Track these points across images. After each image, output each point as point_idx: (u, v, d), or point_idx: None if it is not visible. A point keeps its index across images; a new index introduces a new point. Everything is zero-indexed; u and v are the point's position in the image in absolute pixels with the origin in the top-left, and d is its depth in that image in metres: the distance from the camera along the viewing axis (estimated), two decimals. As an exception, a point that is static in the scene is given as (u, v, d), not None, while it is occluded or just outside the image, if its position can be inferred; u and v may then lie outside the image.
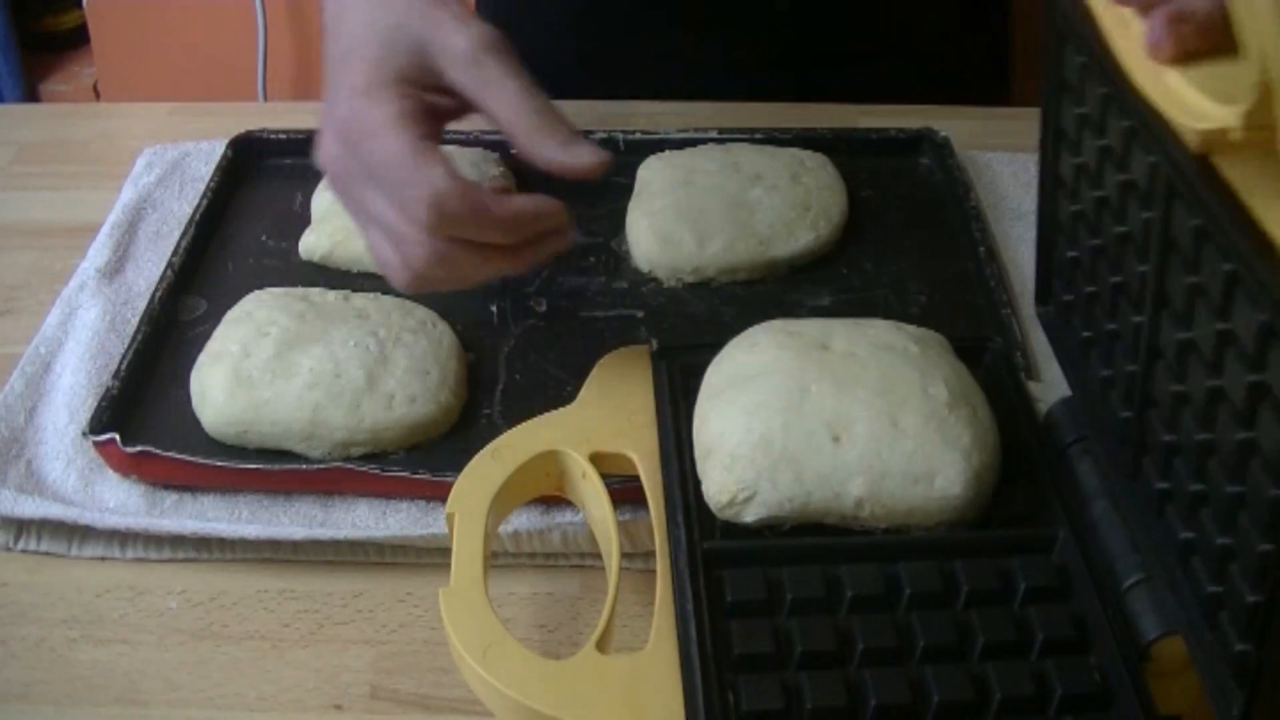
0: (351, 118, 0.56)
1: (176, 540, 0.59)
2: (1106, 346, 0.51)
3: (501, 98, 0.56)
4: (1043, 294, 0.59)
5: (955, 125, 0.83)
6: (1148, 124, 0.42)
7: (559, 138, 0.56)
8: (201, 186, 0.78)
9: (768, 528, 0.53)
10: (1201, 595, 0.44)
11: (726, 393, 0.55)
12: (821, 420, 0.53)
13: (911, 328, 0.59)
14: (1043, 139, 0.55)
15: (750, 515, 0.52)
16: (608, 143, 0.79)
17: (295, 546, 0.59)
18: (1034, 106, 0.89)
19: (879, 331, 0.58)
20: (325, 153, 0.58)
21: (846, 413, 0.52)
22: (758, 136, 0.81)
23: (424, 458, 0.62)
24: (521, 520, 0.59)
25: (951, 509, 0.52)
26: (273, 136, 0.82)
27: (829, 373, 0.55)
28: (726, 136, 0.81)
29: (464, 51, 0.56)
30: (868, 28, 0.94)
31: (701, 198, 0.74)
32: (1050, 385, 0.64)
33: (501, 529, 0.58)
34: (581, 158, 0.56)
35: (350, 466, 0.60)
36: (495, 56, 0.56)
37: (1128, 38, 0.44)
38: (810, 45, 0.93)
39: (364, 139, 0.55)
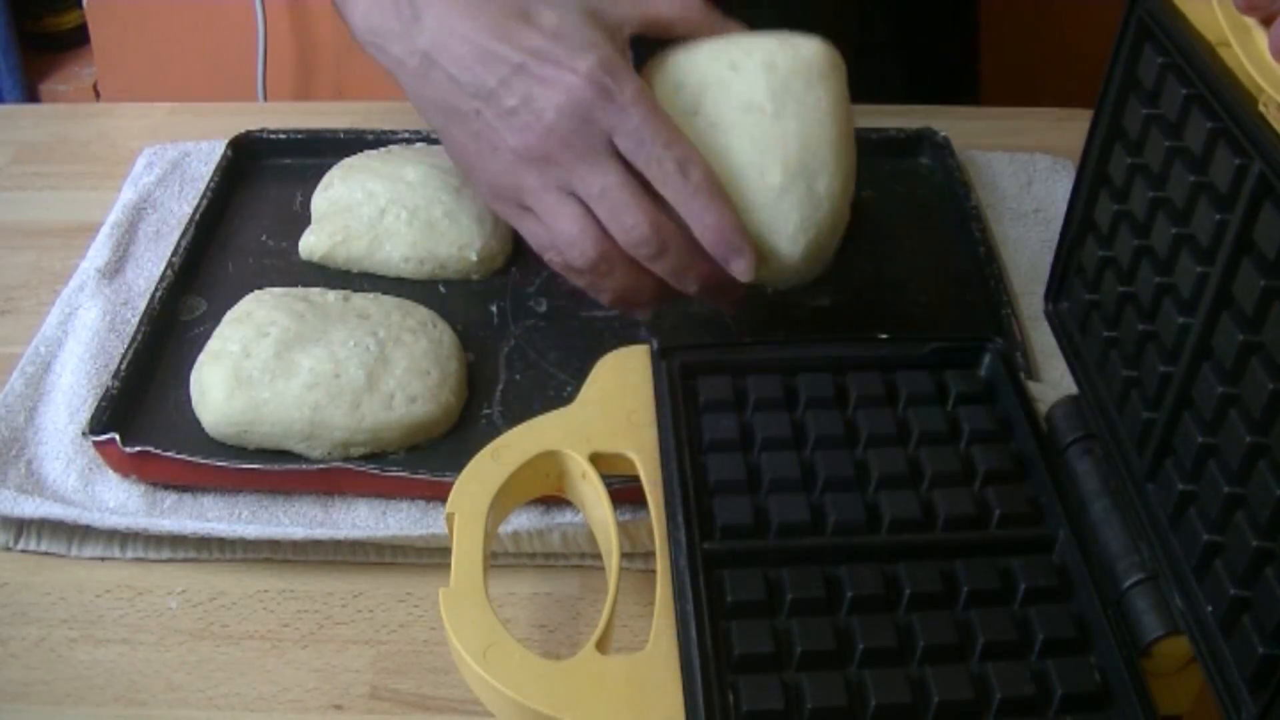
0: (595, 84, 0.57)
1: (176, 540, 0.59)
2: (1135, 348, 0.51)
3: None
4: (1056, 292, 0.59)
5: (955, 125, 0.83)
6: (1243, 125, 0.43)
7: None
8: (201, 186, 0.78)
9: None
10: (1221, 598, 0.43)
11: None
12: None
13: (802, 47, 0.61)
14: (1091, 138, 0.55)
15: None
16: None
17: (295, 546, 0.59)
18: (1007, 107, 0.91)
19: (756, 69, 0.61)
20: (541, 121, 0.57)
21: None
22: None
23: (424, 458, 0.62)
24: (521, 520, 0.59)
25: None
26: (273, 136, 0.82)
27: None
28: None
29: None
30: (842, 29, 0.94)
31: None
32: (1050, 385, 0.64)
33: (501, 529, 0.58)
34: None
35: (350, 466, 0.60)
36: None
37: (1246, 41, 0.44)
38: None
39: (626, 104, 0.57)
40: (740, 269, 0.59)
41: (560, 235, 0.59)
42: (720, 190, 0.58)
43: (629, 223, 0.58)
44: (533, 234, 0.61)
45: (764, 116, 0.59)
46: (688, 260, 0.59)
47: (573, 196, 0.59)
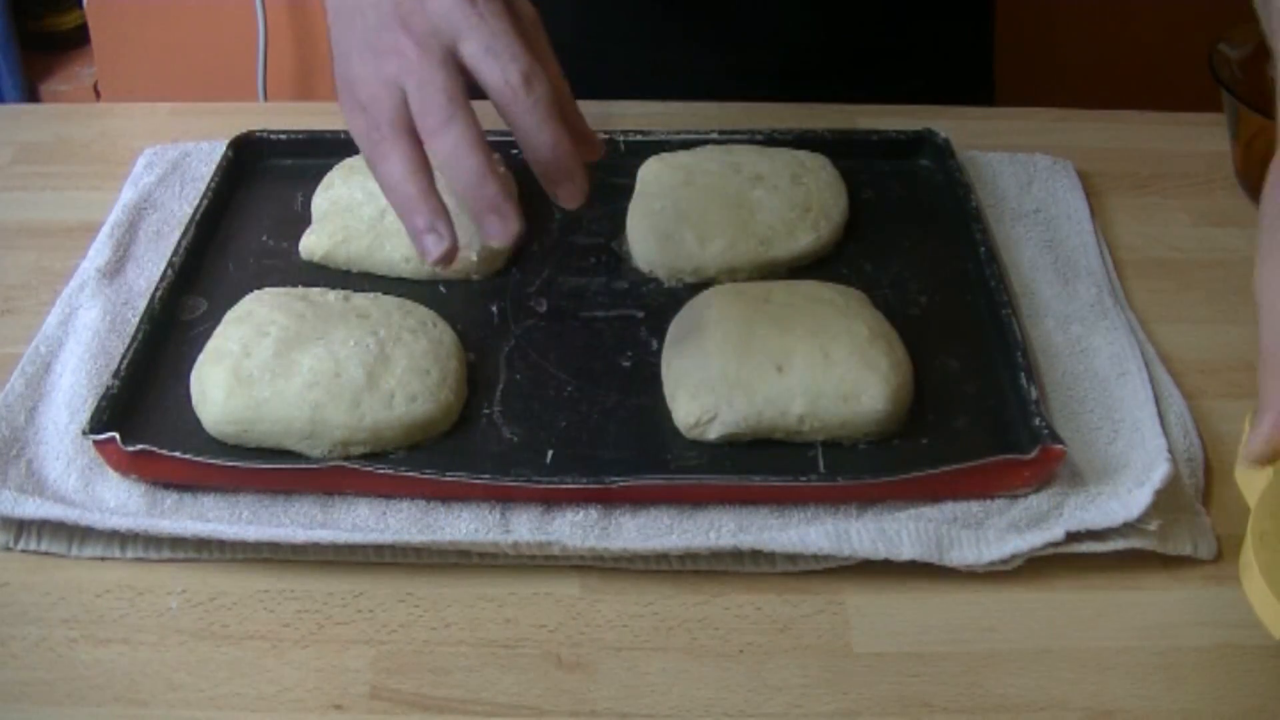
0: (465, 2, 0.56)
1: (176, 540, 0.59)
2: None
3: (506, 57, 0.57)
4: None
5: (955, 125, 0.83)
6: None
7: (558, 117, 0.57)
8: (202, 186, 0.78)
9: (729, 443, 0.62)
10: None
11: (688, 339, 0.65)
12: (766, 355, 0.63)
13: (833, 285, 0.69)
14: None
15: (713, 433, 0.62)
16: (608, 144, 0.79)
17: (295, 547, 0.59)
18: (1027, 106, 0.91)
19: (807, 287, 0.69)
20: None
21: (787, 348, 0.63)
22: (758, 138, 0.81)
23: (424, 457, 0.62)
24: (522, 531, 0.59)
25: (875, 422, 0.62)
26: (273, 137, 0.82)
27: (769, 318, 0.65)
28: (727, 138, 0.81)
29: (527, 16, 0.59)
30: (856, 33, 0.94)
31: (702, 198, 0.74)
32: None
33: (502, 538, 0.58)
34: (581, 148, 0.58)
35: (350, 465, 0.60)
36: (541, 32, 0.60)
37: None
38: (800, 50, 0.94)
39: (485, 14, 0.56)
40: (568, 193, 0.58)
41: (369, 100, 0.58)
42: (560, 115, 0.56)
43: (430, 94, 0.56)
44: (354, 132, 0.59)
45: (835, 304, 0.67)
46: (474, 147, 0.56)
47: (391, 84, 0.57)
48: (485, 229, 0.56)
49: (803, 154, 0.79)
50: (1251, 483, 0.58)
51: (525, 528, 0.60)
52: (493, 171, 0.56)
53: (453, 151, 0.56)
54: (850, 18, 0.93)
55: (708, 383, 0.63)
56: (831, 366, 0.63)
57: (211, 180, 0.78)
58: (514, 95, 0.56)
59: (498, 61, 0.56)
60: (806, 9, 0.93)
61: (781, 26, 0.93)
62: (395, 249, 0.72)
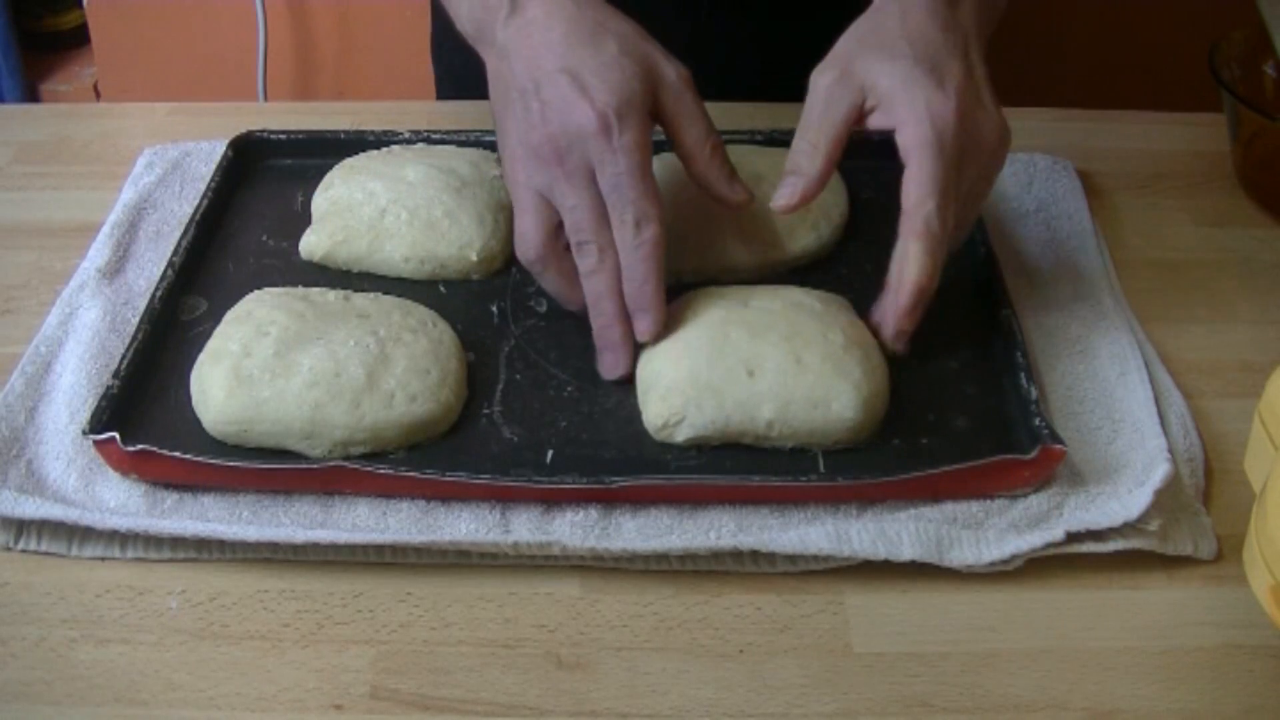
0: (602, 120, 0.63)
1: (177, 540, 0.59)
2: None
3: (692, 129, 0.66)
4: None
5: (955, 126, 0.83)
6: None
7: (725, 173, 0.67)
8: (202, 186, 0.78)
9: (697, 447, 0.62)
10: None
11: (663, 340, 0.65)
12: (738, 359, 0.63)
13: (818, 292, 0.68)
14: None
15: (680, 436, 0.62)
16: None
17: (295, 546, 0.59)
18: (1027, 106, 0.91)
19: (790, 293, 0.68)
20: (545, 145, 0.64)
21: (759, 353, 0.63)
22: (758, 138, 0.81)
23: (424, 457, 0.62)
24: (522, 532, 0.59)
25: (845, 430, 0.62)
26: (273, 136, 0.82)
27: (745, 323, 0.64)
28: (727, 138, 0.80)
29: (674, 83, 0.66)
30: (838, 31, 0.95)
31: (702, 199, 0.74)
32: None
33: (502, 538, 0.58)
34: (737, 194, 0.67)
35: (350, 465, 0.60)
36: (693, 90, 0.66)
37: None
38: (801, 50, 0.94)
39: (618, 149, 0.63)
40: (643, 327, 0.64)
41: (518, 226, 0.66)
42: (658, 256, 0.63)
43: (581, 239, 0.64)
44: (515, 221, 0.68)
45: (814, 310, 0.66)
46: (609, 294, 0.64)
47: (544, 199, 0.65)
48: (638, 322, 0.65)
49: (803, 154, 0.79)
50: (1259, 470, 0.58)
51: (525, 528, 0.60)
52: (620, 313, 0.65)
53: (589, 288, 0.65)
54: (851, 18, 0.93)
55: (678, 385, 0.62)
56: (803, 373, 0.62)
57: (211, 180, 0.78)
58: (622, 236, 0.63)
59: (618, 200, 0.63)
60: (808, 9, 0.93)
61: (782, 26, 0.93)
62: (395, 249, 0.72)
